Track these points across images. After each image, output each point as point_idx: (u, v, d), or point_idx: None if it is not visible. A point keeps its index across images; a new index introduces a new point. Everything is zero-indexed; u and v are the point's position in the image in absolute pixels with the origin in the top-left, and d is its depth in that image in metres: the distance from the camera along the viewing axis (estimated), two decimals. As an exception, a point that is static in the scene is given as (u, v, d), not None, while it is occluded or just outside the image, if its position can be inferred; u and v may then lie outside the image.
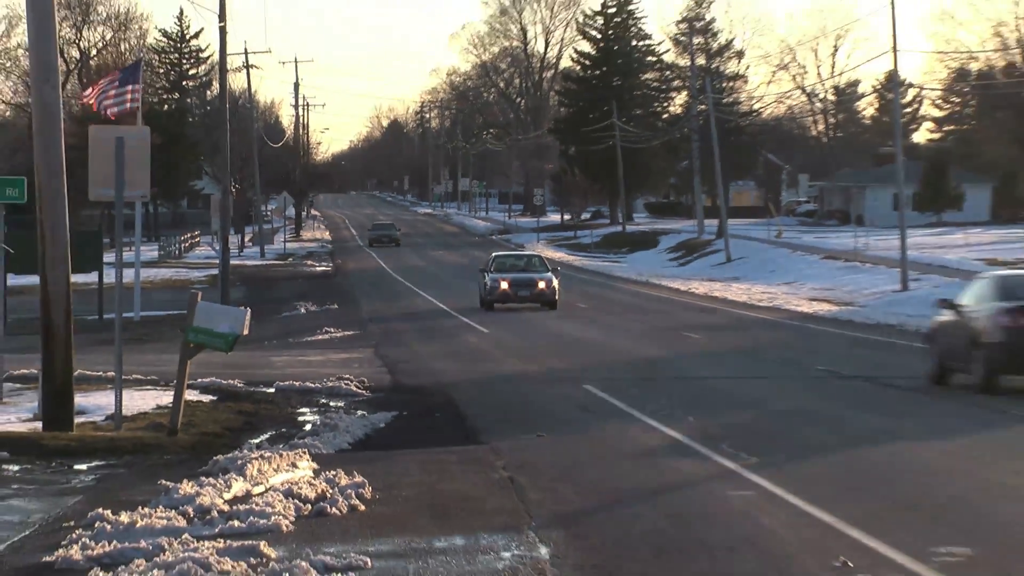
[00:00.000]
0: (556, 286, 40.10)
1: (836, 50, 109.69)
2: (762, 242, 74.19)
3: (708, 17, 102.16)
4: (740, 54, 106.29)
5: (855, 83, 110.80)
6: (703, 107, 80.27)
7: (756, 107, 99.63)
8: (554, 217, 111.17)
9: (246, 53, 73.66)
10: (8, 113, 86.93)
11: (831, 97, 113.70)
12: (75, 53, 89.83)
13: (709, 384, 22.82)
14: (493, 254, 44.29)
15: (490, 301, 39.80)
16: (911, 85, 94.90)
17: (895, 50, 48.87)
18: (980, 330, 18.93)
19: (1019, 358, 18.23)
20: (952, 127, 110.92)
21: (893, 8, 47.05)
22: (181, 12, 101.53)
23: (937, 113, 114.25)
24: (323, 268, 73.21)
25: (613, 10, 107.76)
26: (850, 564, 8.45)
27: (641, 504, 12.05)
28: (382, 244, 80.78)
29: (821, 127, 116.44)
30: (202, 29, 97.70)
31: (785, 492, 12.05)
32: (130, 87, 31.77)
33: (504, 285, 37.89)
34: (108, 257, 29.33)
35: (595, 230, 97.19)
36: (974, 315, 19.34)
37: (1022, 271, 26.72)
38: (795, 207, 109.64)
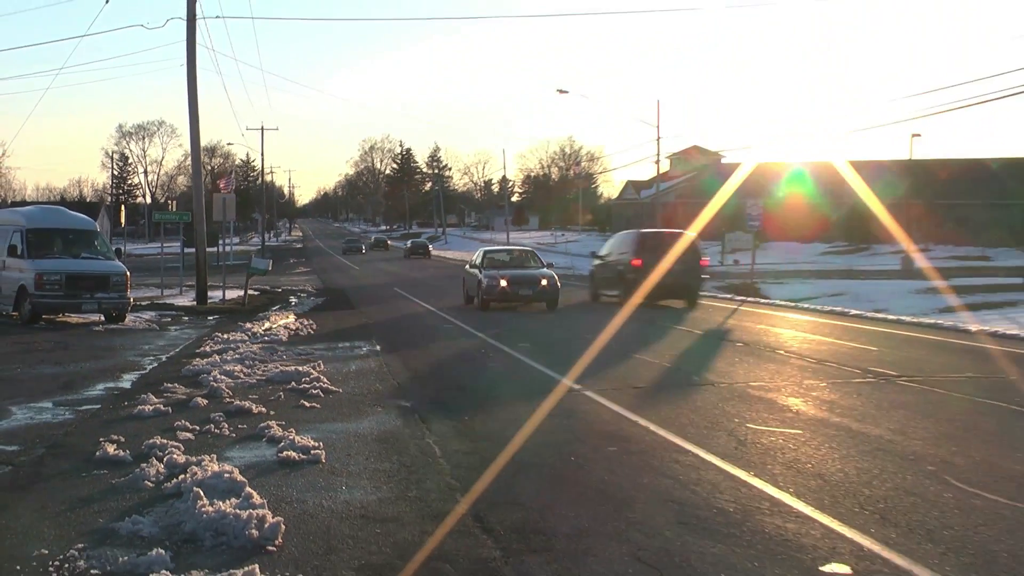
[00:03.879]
0: (558, 284, 31.71)
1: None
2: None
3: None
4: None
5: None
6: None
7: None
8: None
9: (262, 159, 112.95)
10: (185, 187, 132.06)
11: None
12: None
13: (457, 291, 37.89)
14: (482, 250, 35.77)
15: (487, 301, 31.23)
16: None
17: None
18: (622, 268, 33.48)
19: (666, 291, 31.57)
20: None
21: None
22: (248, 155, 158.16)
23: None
24: (299, 247, 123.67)
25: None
26: (487, 351, 21.58)
27: (414, 331, 25.40)
28: (351, 251, 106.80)
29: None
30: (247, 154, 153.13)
31: (465, 325, 25.90)
32: (230, 180, 57.97)
33: (503, 283, 30.86)
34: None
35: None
36: (612, 260, 34.97)
37: (634, 232, 36.42)
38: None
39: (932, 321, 28.83)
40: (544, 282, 31.75)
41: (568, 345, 21.23)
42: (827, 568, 6.90)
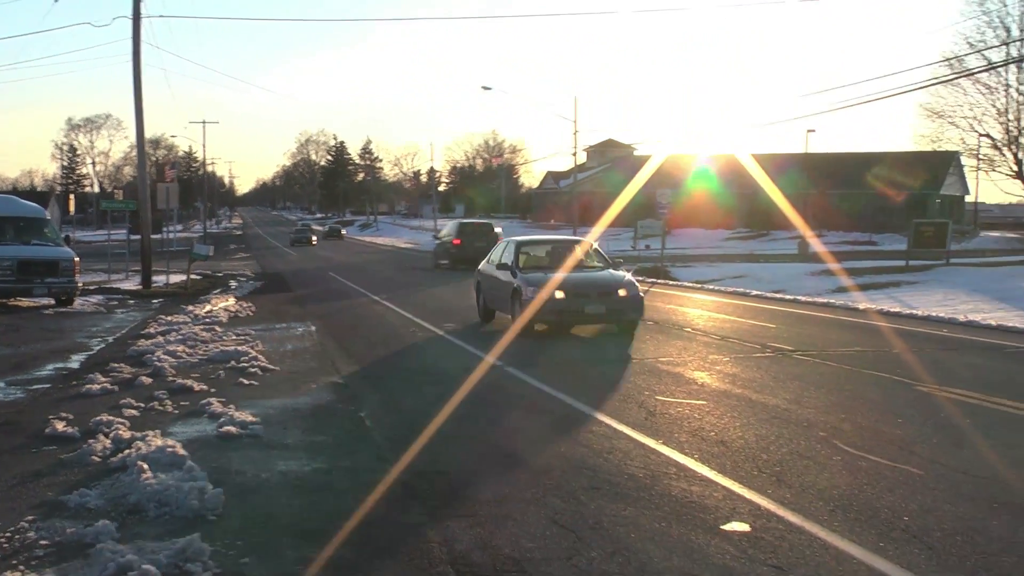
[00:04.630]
0: (641, 294, 19.71)
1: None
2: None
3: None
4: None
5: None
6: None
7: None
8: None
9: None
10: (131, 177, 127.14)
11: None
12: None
13: (385, 275, 42.50)
14: (512, 242, 22.03)
15: (538, 322, 18.67)
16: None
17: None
18: (448, 246, 41.64)
19: (466, 259, 38.32)
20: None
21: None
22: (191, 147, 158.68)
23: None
24: (239, 234, 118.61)
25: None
26: (416, 331, 21.74)
27: (346, 313, 25.38)
28: (300, 243, 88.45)
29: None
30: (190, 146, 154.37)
31: (396, 306, 25.91)
32: (174, 170, 56.21)
33: (559, 295, 18.43)
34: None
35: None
36: (443, 239, 41.47)
37: (456, 222, 48.97)
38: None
39: (825, 300, 29.23)
40: (622, 292, 18.63)
41: (477, 317, 21.27)
42: (727, 527, 7.00)
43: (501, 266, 20.34)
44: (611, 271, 19.82)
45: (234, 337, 18.48)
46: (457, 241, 44.46)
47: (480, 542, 6.77)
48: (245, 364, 14.99)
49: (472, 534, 6.93)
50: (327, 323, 22.12)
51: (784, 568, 6.20)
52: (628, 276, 19.70)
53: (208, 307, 25.31)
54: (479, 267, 22.62)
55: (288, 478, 8.44)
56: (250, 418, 10.67)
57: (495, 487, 8.11)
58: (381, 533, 6.96)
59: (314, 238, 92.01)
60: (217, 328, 20.14)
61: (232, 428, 10.25)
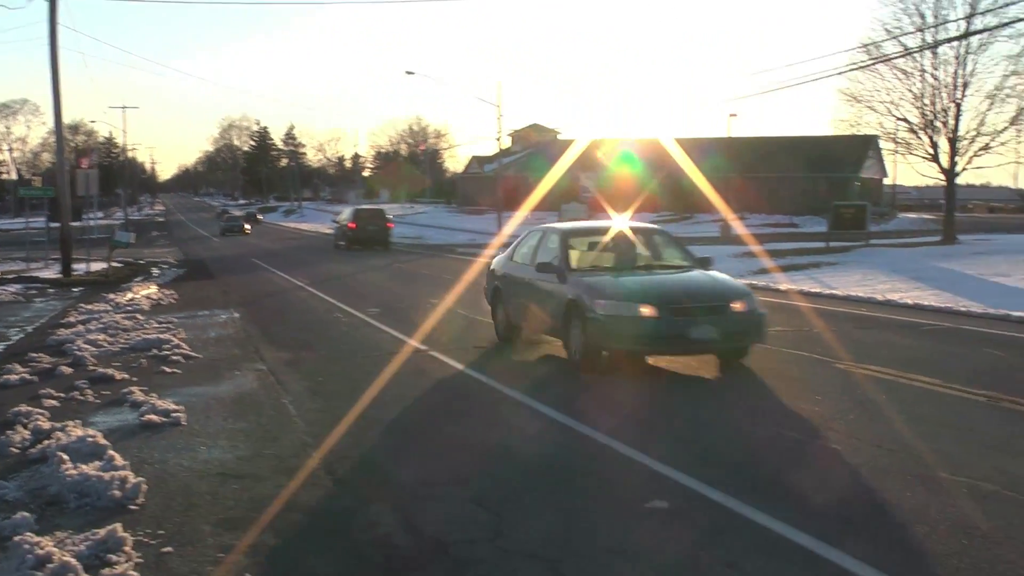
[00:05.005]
0: (762, 308, 13.26)
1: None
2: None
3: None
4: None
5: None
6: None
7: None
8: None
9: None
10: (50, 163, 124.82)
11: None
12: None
13: (309, 261, 42.14)
14: (553, 230, 15.52)
15: (617, 352, 12.71)
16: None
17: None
18: (344, 228, 42.45)
19: (360, 240, 43.93)
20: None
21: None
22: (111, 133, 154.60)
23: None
24: (161, 220, 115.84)
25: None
26: (340, 316, 21.20)
27: (270, 299, 25.08)
28: (232, 232, 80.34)
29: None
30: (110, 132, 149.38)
31: (321, 292, 25.70)
32: (89, 156, 54.83)
33: (647, 311, 12.11)
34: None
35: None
36: (341, 222, 42.38)
37: (352, 208, 56.09)
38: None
39: (748, 282, 29.49)
40: (738, 305, 12.73)
41: (402, 302, 21.23)
42: (651, 505, 7.08)
43: (542, 267, 13.87)
44: (704, 271, 13.69)
45: (156, 325, 18.24)
46: (352, 225, 49.70)
47: (404, 524, 6.78)
48: (167, 352, 14.81)
49: (396, 516, 6.93)
50: (250, 310, 21.91)
51: (706, 544, 6.28)
52: (736, 281, 13.71)
53: (130, 295, 24.96)
54: (493, 266, 16.80)
55: (211, 466, 8.38)
56: (172, 406, 10.55)
57: (419, 470, 8.12)
58: (304, 519, 6.94)
59: (247, 226, 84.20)
60: (139, 316, 19.88)
61: (154, 417, 10.13)
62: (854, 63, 44.77)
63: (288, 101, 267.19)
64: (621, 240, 14.77)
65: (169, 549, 6.34)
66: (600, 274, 13.48)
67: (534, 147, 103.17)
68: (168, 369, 13.50)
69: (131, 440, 9.30)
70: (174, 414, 10.25)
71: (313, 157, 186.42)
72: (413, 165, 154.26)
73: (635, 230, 15.38)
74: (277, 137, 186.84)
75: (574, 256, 14.38)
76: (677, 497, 7.27)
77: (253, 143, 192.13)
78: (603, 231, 15.17)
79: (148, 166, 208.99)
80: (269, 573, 6.01)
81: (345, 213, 54.08)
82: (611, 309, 12.15)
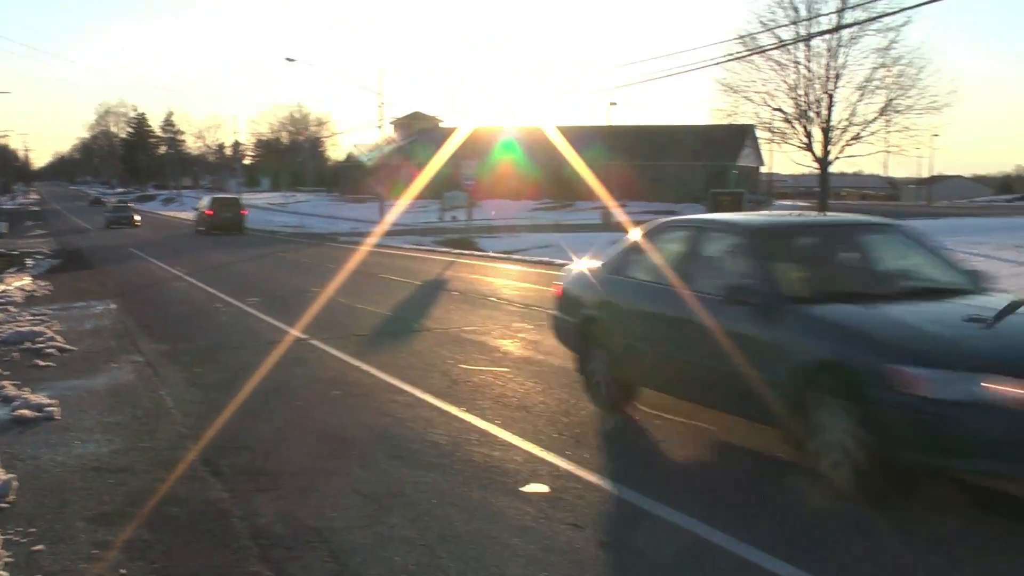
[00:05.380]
0: None
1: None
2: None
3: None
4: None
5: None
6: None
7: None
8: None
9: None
10: None
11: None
12: None
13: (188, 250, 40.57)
14: (742, 225, 8.66)
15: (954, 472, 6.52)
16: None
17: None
18: (203, 215, 40.78)
19: (217, 226, 42.57)
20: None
21: None
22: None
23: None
24: (36, 210, 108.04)
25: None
26: (219, 306, 21.09)
27: (148, 289, 24.59)
28: (120, 224, 69.29)
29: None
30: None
31: (200, 282, 25.10)
32: None
33: (912, 369, 6.17)
34: None
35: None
36: (201, 208, 39.17)
37: (210, 196, 58.49)
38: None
39: (627, 268, 29.91)
40: None
41: (283, 291, 21.03)
42: (527, 488, 7.15)
43: (734, 292, 7.80)
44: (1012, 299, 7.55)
45: (29, 317, 17.73)
46: (210, 212, 55.45)
47: (282, 515, 6.73)
48: (41, 345, 14.41)
49: (274, 507, 6.88)
50: (128, 300, 21.44)
51: (581, 525, 6.37)
52: None
53: (2, 287, 24.22)
54: (574, 286, 10.87)
55: (85, 461, 8.21)
56: (46, 401, 10.30)
57: (298, 460, 8.07)
58: (181, 512, 6.85)
59: (137, 217, 72.82)
60: (11, 308, 19.30)
61: (27, 411, 9.88)
62: (731, 54, 45.69)
63: (166, 87, 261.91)
64: (855, 241, 9.00)
65: (40, 547, 6.21)
66: (856, 305, 7.37)
67: (416, 135, 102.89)
68: (42, 362, 13.15)
69: (2, 436, 9.08)
70: (47, 408, 10.01)
71: (193, 144, 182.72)
72: (295, 153, 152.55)
73: (860, 226, 9.46)
74: (155, 124, 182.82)
75: (791, 276, 8.07)
76: (556, 480, 7.35)
77: (131, 130, 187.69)
78: (815, 228, 9.47)
79: (21, 153, 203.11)
80: (145, 568, 5.91)
81: (204, 201, 59.52)
82: (946, 386, 6.18)
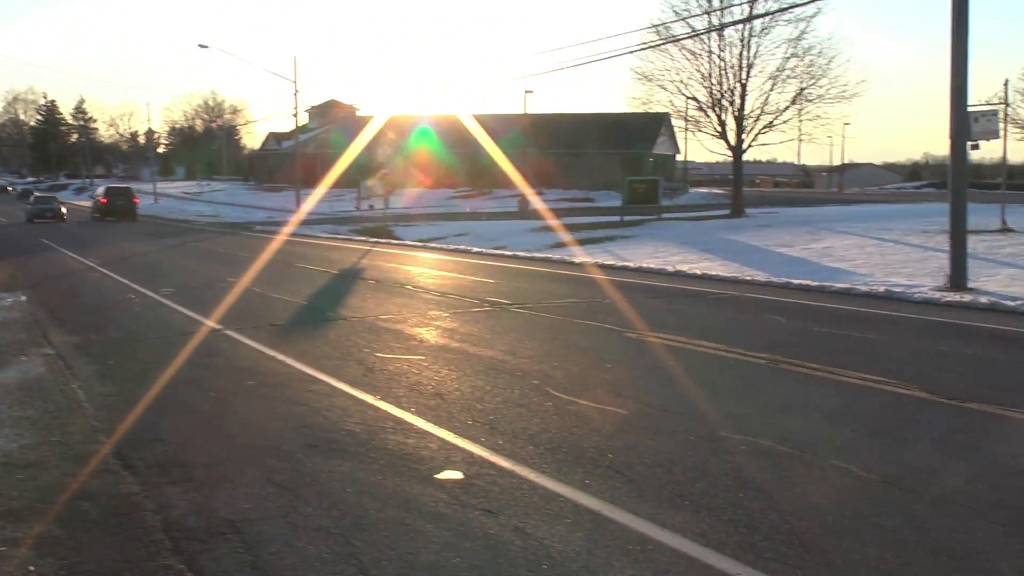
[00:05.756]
0: None
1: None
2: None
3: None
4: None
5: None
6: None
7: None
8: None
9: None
10: None
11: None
12: None
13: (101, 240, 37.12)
14: None
15: None
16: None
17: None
18: (98, 202, 43.24)
19: (110, 212, 45.83)
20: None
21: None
22: None
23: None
24: None
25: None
26: (133, 297, 20.97)
27: (60, 280, 24.16)
28: (43, 218, 61.21)
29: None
30: None
31: (113, 272, 24.67)
32: None
33: None
34: None
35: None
36: (97, 196, 40.23)
37: (105, 186, 63.84)
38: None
39: (544, 255, 30.09)
40: None
41: (198, 281, 20.79)
42: (441, 475, 7.17)
43: None
44: None
45: (-67, 312, 17.36)
46: (104, 200, 61.18)
47: (195, 507, 6.67)
48: (-54, 339, 14.12)
49: (187, 499, 6.81)
50: (39, 292, 21.08)
51: (494, 511, 6.40)
52: None
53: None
54: None
55: (-8, 456, 8.06)
56: (-49, 395, 10.10)
57: (212, 451, 8.00)
58: (93, 507, 6.74)
59: (64, 210, 63.91)
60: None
61: (-69, 407, 9.68)
62: (645, 43, 46.08)
63: (77, 73, 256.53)
64: None
65: (-55, 546, 6.08)
66: None
67: (332, 123, 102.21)
68: (-53, 357, 12.87)
69: (-94, 432, 8.86)
70: (-47, 404, 9.81)
71: (105, 133, 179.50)
72: (210, 141, 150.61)
73: None
74: (67, 111, 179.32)
75: None
76: (470, 466, 7.38)
77: (40, 117, 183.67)
78: None
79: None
80: (55, 565, 5.80)
81: (100, 190, 65.77)
82: None
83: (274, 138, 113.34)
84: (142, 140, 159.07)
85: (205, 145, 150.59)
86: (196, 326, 15.13)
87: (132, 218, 60.33)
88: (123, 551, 5.95)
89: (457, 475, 7.16)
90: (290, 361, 11.93)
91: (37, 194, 77.82)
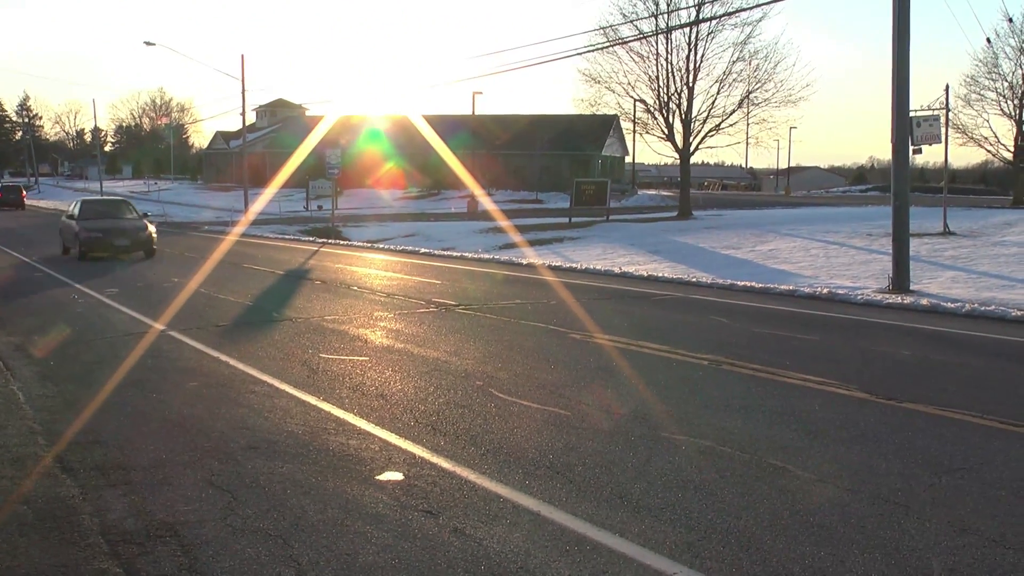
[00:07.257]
0: None
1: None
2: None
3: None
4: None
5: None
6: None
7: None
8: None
9: None
10: None
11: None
12: None
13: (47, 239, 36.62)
14: None
15: None
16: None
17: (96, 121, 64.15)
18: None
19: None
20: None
21: None
22: None
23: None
24: None
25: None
26: (76, 297, 20.71)
27: (22, 293, 23.52)
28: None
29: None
30: None
31: (56, 272, 24.48)
32: None
33: None
34: None
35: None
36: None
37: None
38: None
39: (492, 256, 30.12)
40: None
41: (143, 282, 20.60)
42: (382, 476, 7.16)
43: None
44: None
45: None
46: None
47: (134, 509, 6.60)
48: None
49: (126, 502, 6.75)
50: (-23, 293, 20.76)
51: (434, 512, 6.40)
52: None
53: None
54: None
55: (-73, 459, 7.94)
56: None
57: (152, 453, 7.93)
58: (29, 510, 6.65)
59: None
60: None
61: None
62: (592, 44, 46.27)
63: (21, 70, 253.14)
64: None
65: None
66: None
67: (281, 123, 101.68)
68: None
69: None
70: None
71: (50, 130, 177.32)
72: (157, 139, 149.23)
73: None
74: (10, 108, 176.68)
75: None
76: (411, 467, 7.38)
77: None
78: None
79: None
80: (-12, 567, 5.75)
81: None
82: None
83: (222, 137, 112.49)
84: (89, 138, 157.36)
85: (153, 144, 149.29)
86: (140, 327, 15.00)
87: (22, 208, 68.13)
88: (58, 555, 5.88)
89: (398, 476, 7.16)
90: (233, 362, 11.86)
91: (1, 184, 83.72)
